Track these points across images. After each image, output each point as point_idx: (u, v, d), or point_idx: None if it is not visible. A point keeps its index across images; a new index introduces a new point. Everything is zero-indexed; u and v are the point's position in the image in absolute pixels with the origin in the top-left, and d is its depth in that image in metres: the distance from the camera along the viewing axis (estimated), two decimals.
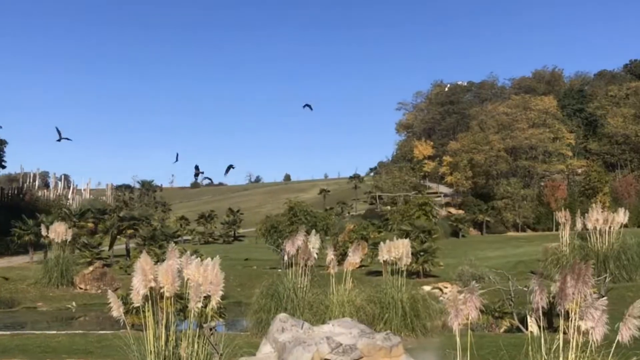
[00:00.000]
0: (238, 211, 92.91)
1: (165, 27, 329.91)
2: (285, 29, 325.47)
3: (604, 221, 32.98)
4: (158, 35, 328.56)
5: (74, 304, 33.18)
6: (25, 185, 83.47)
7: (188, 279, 11.81)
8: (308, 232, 21.79)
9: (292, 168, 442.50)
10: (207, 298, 11.71)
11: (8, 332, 22.33)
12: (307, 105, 17.69)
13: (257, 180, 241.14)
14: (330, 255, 20.80)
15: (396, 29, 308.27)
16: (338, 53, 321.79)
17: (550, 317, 20.85)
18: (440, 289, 36.27)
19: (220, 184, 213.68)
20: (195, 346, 11.53)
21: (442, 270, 42.93)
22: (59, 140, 26.56)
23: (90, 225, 54.92)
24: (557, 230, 43.29)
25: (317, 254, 20.91)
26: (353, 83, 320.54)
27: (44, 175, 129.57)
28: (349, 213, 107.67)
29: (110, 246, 51.13)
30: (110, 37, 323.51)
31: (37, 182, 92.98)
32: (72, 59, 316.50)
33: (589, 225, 33.22)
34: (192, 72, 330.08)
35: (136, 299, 11.29)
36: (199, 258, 12.20)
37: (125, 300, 16.05)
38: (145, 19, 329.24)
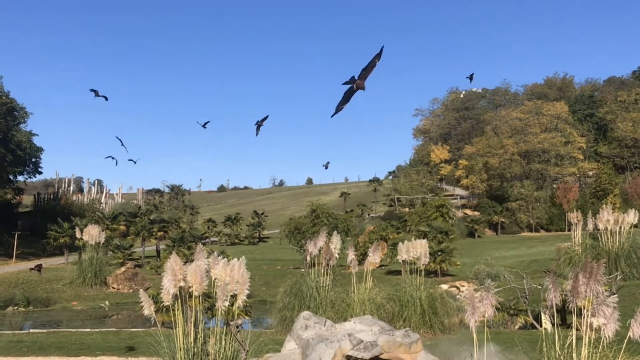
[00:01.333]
0: (262, 214, 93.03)
1: (197, 31, 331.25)
2: (306, 35, 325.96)
3: (615, 221, 32.74)
4: (189, 41, 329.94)
5: (107, 302, 33.25)
6: (60, 190, 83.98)
7: (215, 279, 11.79)
8: (330, 233, 21.78)
9: (314, 172, 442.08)
10: (234, 297, 11.69)
11: (45, 330, 22.43)
12: (261, 122, 17.55)
13: (281, 184, 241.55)
14: (351, 255, 20.73)
15: (413, 39, 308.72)
16: (359, 62, 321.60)
17: (564, 314, 20.75)
18: (457, 288, 36.18)
19: (246, 187, 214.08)
20: (223, 343, 11.51)
21: (459, 269, 42.83)
22: (96, 95, 26.30)
23: (122, 227, 55.18)
24: (569, 230, 43.02)
25: (338, 254, 20.90)
26: (373, 91, 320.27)
27: (78, 181, 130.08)
28: (368, 215, 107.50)
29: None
30: (148, 44, 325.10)
31: (71, 187, 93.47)
32: (105, 65, 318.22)
33: (600, 226, 32.97)
34: (218, 76, 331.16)
35: (166, 298, 11.29)
36: (225, 258, 12.17)
37: (156, 299, 16.09)
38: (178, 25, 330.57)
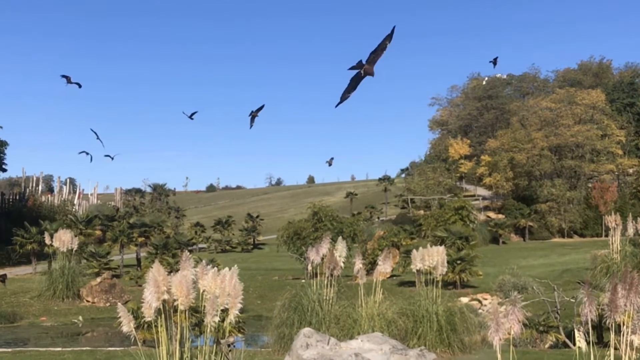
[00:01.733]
0: (258, 217, 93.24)
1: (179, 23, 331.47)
2: (305, 11, 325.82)
3: None
4: (171, 19, 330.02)
5: (80, 318, 33.28)
6: (27, 190, 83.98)
7: (204, 291, 11.81)
8: (334, 239, 21.78)
9: (316, 169, 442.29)
10: (225, 311, 11.70)
11: (9, 349, 22.45)
12: (255, 113, 17.49)
13: (278, 183, 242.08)
14: (359, 264, 20.74)
15: (428, 17, 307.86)
16: (364, 42, 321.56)
17: (600, 331, 20.76)
18: (479, 301, 36.25)
19: (238, 187, 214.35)
20: None
21: (481, 280, 42.89)
22: (67, 82, 26.18)
23: (98, 232, 55.17)
24: (606, 235, 43.16)
25: (344, 262, 20.88)
26: (383, 77, 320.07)
27: (48, 179, 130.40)
28: (378, 218, 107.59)
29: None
30: (124, 22, 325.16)
31: (40, 187, 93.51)
32: (77, 55, 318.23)
33: None
34: (206, 70, 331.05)
35: (148, 313, 11.29)
36: (215, 268, 12.19)
37: (136, 314, 16.10)
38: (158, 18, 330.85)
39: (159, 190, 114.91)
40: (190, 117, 27.49)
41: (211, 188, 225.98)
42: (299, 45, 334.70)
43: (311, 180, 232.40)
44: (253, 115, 18.92)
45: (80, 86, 27.36)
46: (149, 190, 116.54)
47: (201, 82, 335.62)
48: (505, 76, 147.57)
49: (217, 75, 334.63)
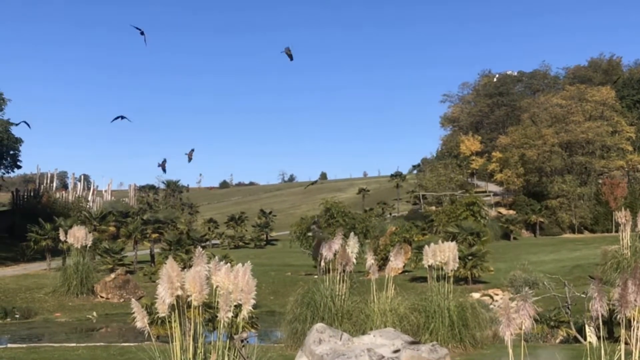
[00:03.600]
0: (270, 213, 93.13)
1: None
2: (317, 18, 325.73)
3: None
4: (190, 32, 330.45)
5: (94, 314, 33.34)
6: (42, 186, 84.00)
7: (217, 287, 11.78)
8: (346, 235, 21.75)
9: (329, 166, 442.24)
10: (238, 307, 11.67)
11: (24, 345, 22.47)
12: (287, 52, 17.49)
13: (291, 179, 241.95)
14: (371, 259, 20.73)
15: (439, 13, 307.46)
16: (375, 39, 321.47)
17: (611, 326, 20.72)
18: (491, 296, 36.17)
19: (252, 183, 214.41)
20: (226, 359, 11.53)
21: (492, 275, 42.84)
22: (115, 119, 25.99)
23: (112, 229, 55.29)
24: (617, 231, 42.85)
25: (356, 258, 20.85)
26: (393, 73, 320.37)
27: (62, 176, 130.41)
28: (390, 214, 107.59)
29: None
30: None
31: (54, 183, 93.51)
32: (92, 54, 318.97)
33: None
34: (219, 66, 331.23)
35: (161, 309, 11.28)
36: (228, 264, 12.17)
37: (150, 310, 16.13)
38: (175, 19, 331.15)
39: (173, 187, 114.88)
40: (141, 33, 25.91)
41: (224, 184, 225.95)
42: (311, 40, 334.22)
43: (324, 176, 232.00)
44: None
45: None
46: (162, 186, 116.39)
47: (219, 85, 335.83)
48: (515, 73, 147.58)
49: (232, 79, 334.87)
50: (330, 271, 20.34)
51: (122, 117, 27.13)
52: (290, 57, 18.92)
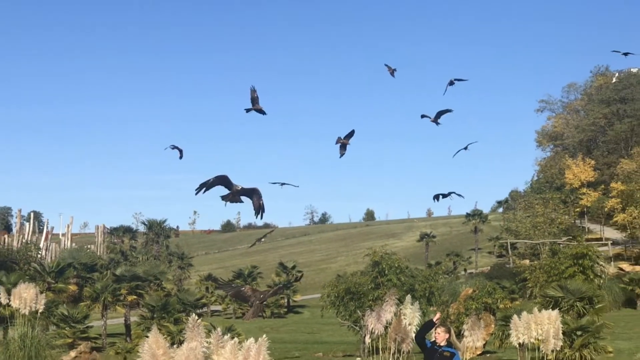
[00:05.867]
0: (294, 267, 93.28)
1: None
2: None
3: None
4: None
5: None
6: None
7: None
8: (402, 300, 21.80)
9: (377, 201, 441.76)
10: None
11: None
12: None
13: (324, 220, 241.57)
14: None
15: None
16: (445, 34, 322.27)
17: None
18: None
19: (267, 225, 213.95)
20: None
21: (612, 358, 42.69)
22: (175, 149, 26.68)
23: (73, 288, 55.56)
24: None
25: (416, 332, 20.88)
26: (472, 71, 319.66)
27: (4, 213, 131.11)
28: (465, 270, 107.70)
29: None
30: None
31: None
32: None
33: None
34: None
35: None
36: (235, 338, 12.22)
37: None
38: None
39: (157, 230, 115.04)
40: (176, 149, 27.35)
41: (228, 227, 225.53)
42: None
43: (370, 216, 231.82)
44: (342, 143, 19.09)
45: (181, 156, 27.76)
46: (142, 229, 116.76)
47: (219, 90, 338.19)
48: None
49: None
50: (380, 351, 20.37)
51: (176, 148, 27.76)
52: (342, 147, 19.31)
